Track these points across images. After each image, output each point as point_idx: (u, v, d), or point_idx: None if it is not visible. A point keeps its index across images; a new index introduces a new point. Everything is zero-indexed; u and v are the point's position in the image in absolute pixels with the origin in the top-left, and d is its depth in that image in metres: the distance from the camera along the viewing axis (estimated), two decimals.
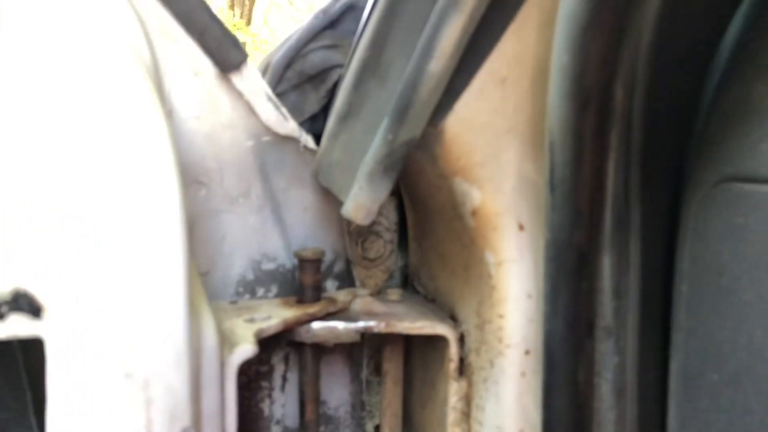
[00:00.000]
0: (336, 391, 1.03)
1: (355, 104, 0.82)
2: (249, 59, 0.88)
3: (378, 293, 1.01)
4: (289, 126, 0.93)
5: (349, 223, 0.98)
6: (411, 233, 1.02)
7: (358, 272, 1.01)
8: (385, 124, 0.75)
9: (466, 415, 0.88)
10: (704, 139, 0.63)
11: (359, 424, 1.04)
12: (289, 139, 0.93)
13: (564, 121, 0.61)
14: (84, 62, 0.67)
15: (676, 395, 0.65)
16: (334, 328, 0.90)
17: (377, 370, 1.03)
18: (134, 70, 0.69)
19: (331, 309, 0.91)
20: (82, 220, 0.62)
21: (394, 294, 0.99)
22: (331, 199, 0.93)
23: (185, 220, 0.66)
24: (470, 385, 0.87)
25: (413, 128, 0.74)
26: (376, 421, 1.04)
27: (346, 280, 1.02)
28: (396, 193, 1.00)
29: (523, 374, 0.81)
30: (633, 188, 0.65)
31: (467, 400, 0.88)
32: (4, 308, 0.60)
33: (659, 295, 0.67)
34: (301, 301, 0.92)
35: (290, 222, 0.97)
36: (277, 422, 1.00)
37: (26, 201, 0.61)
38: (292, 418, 1.00)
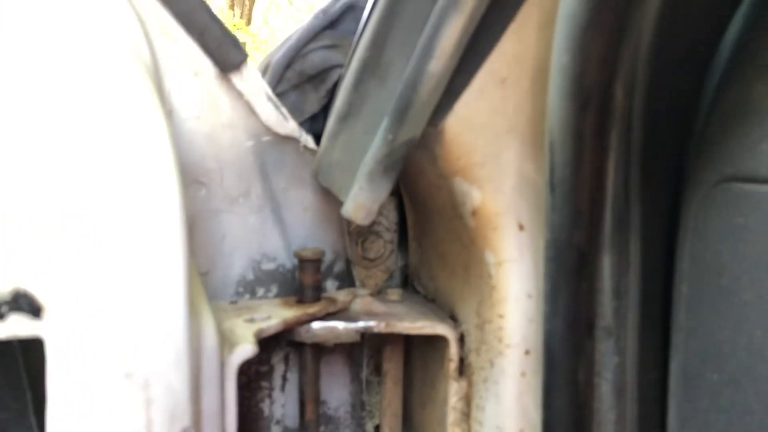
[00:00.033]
0: (336, 391, 1.03)
1: (355, 104, 0.82)
2: (249, 59, 0.88)
3: (378, 293, 1.01)
4: (289, 126, 0.93)
5: (349, 223, 0.98)
6: (411, 233, 1.02)
7: (358, 272, 1.01)
8: (385, 124, 0.75)
9: (466, 415, 0.88)
10: (704, 139, 0.63)
11: (359, 424, 1.04)
12: (289, 139, 0.93)
13: (564, 121, 0.61)
14: (84, 62, 0.67)
15: (676, 395, 0.65)
16: (334, 328, 0.90)
17: (377, 370, 1.03)
18: (134, 70, 0.69)
19: (331, 309, 0.91)
20: (83, 220, 0.62)
21: (394, 294, 0.99)
22: (331, 199, 0.93)
23: (185, 220, 0.67)
24: (470, 385, 0.87)
25: (413, 128, 0.74)
26: (376, 421, 1.04)
27: (346, 280, 1.02)
28: (396, 193, 1.00)
29: (523, 374, 0.81)
30: (633, 188, 0.65)
31: (467, 400, 0.88)
32: (4, 308, 0.60)
33: (659, 295, 0.67)
34: (301, 301, 0.92)
35: (290, 222, 0.97)
36: (277, 422, 1.00)
37: (26, 201, 0.61)
38: (292, 418, 1.00)
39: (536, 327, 0.79)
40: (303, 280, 0.92)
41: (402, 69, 0.75)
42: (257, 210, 0.94)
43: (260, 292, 0.97)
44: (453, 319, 0.91)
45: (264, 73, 1.14)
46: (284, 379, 0.99)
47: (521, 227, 0.79)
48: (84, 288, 0.62)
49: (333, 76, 1.09)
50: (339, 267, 1.02)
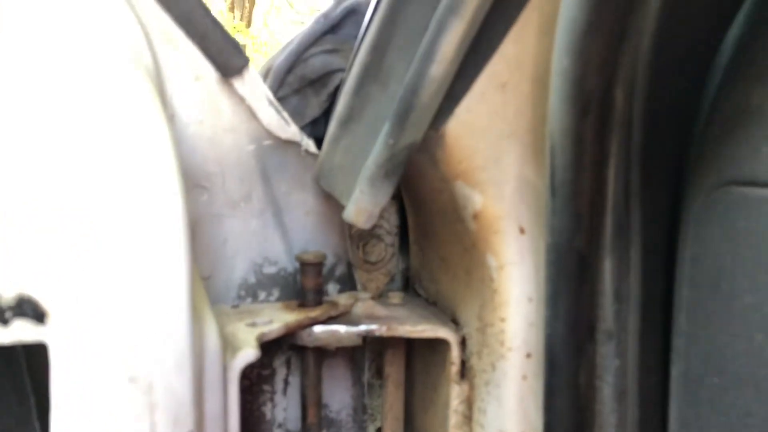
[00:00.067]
0: (338, 394, 1.03)
1: (357, 109, 0.82)
2: (250, 63, 0.89)
3: (379, 296, 1.01)
4: (291, 130, 0.93)
5: (350, 226, 0.98)
6: (412, 236, 1.02)
7: (359, 275, 1.02)
8: (386, 128, 0.75)
9: (468, 418, 0.88)
10: (705, 143, 0.63)
11: (361, 427, 1.04)
12: (290, 144, 0.94)
13: (564, 125, 0.61)
14: (86, 66, 0.67)
15: (677, 398, 0.65)
16: (335, 332, 0.90)
17: (379, 373, 1.03)
18: (136, 74, 0.69)
19: (333, 312, 0.91)
20: (85, 224, 0.62)
21: (396, 297, 0.99)
22: (332, 202, 0.93)
23: (188, 225, 0.67)
24: (472, 388, 0.88)
25: (414, 132, 0.74)
26: (378, 425, 1.04)
27: (348, 284, 1.02)
28: (397, 197, 1.01)
29: (524, 377, 0.81)
30: (633, 191, 0.65)
31: (469, 403, 0.88)
32: (9, 314, 0.60)
33: (660, 298, 0.67)
34: (302, 304, 0.92)
35: (292, 226, 0.97)
36: (279, 426, 1.00)
37: (29, 205, 0.61)
38: (294, 422, 1.00)
39: (537, 330, 0.79)
40: (304, 284, 0.92)
41: (403, 74, 0.75)
42: (259, 214, 0.95)
43: (262, 295, 0.97)
44: (454, 322, 0.91)
45: (265, 77, 1.14)
46: (286, 382, 1.00)
47: (522, 231, 0.80)
48: (88, 293, 0.62)
49: (334, 81, 1.09)
50: (340, 270, 1.02)
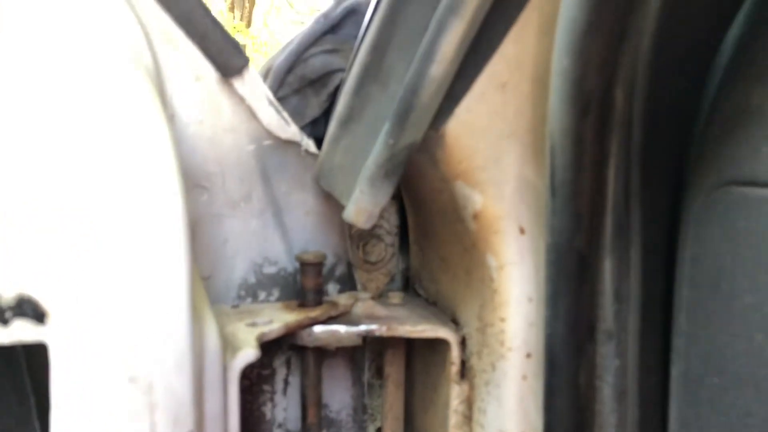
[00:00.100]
0: (338, 394, 1.03)
1: (357, 109, 0.82)
2: (250, 63, 0.89)
3: (379, 296, 1.02)
4: (291, 130, 0.93)
5: (350, 226, 0.98)
6: (412, 236, 1.02)
7: (359, 275, 1.02)
8: (386, 128, 0.75)
9: (468, 418, 0.88)
10: (705, 143, 0.63)
11: (361, 427, 1.05)
12: (290, 143, 0.94)
13: (564, 125, 0.61)
14: (87, 67, 0.67)
15: (677, 398, 0.65)
16: (335, 332, 0.90)
17: (379, 373, 1.03)
18: (136, 74, 0.69)
19: (333, 312, 0.91)
20: (86, 225, 0.62)
21: (396, 297, 0.99)
22: (332, 202, 0.93)
23: (188, 225, 0.67)
24: (472, 388, 0.88)
25: (414, 132, 0.74)
26: (378, 424, 1.04)
27: (348, 284, 1.02)
28: (397, 197, 1.01)
29: (524, 377, 0.81)
30: (633, 192, 0.65)
31: (469, 403, 0.88)
32: (9, 314, 0.60)
33: (660, 298, 0.67)
34: (302, 304, 0.92)
35: (292, 226, 0.97)
36: (279, 425, 1.00)
37: (29, 205, 0.61)
38: (294, 422, 1.00)
39: (537, 330, 0.79)
40: (304, 284, 0.92)
41: (403, 74, 0.75)
42: (259, 214, 0.95)
43: (262, 295, 0.97)
44: (454, 322, 0.91)
45: (265, 77, 1.14)
46: (286, 382, 1.00)
47: (522, 231, 0.80)
48: (88, 293, 0.62)
49: (334, 81, 1.09)
50: (340, 270, 1.02)
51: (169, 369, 0.65)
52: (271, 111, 0.91)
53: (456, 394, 0.88)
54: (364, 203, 0.78)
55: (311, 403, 0.95)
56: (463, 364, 0.88)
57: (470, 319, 0.87)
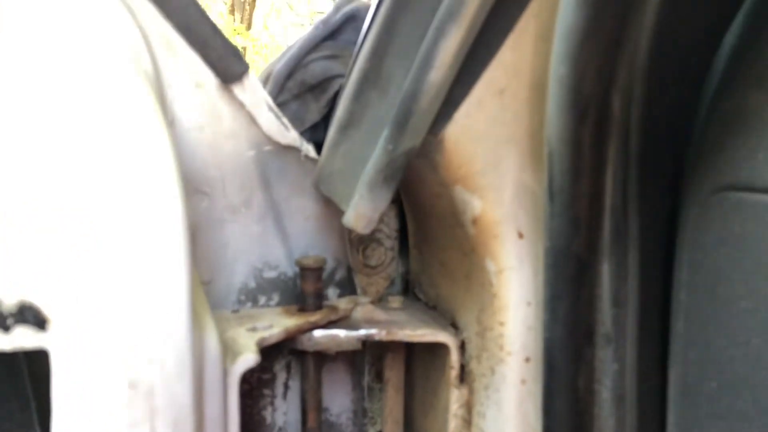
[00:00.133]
0: (338, 398, 1.04)
1: (356, 114, 0.83)
2: (250, 70, 0.89)
3: (379, 301, 1.02)
4: (290, 136, 0.93)
5: (350, 230, 0.98)
6: (412, 241, 1.03)
7: (359, 280, 1.02)
8: (385, 133, 0.76)
9: (468, 422, 0.89)
10: (701, 148, 0.64)
11: (361, 430, 1.05)
12: (290, 149, 0.94)
13: (562, 131, 0.61)
14: (88, 72, 0.67)
15: (675, 402, 0.66)
16: (335, 336, 0.90)
17: (379, 377, 1.04)
18: (136, 80, 0.70)
19: (333, 317, 0.92)
20: (86, 231, 0.63)
21: (396, 301, 0.99)
22: (332, 207, 0.93)
23: (188, 229, 0.67)
24: (471, 392, 0.88)
25: (413, 138, 0.75)
26: (378, 428, 1.05)
27: (348, 288, 1.03)
28: (397, 201, 1.01)
29: (523, 381, 0.81)
30: (631, 197, 0.66)
31: (468, 407, 0.88)
32: (10, 320, 0.60)
33: (658, 302, 0.68)
34: (302, 309, 0.93)
35: (292, 230, 0.97)
36: (280, 430, 1.00)
37: (30, 213, 0.62)
38: (294, 426, 1.00)
39: (536, 334, 0.79)
40: (304, 288, 0.93)
41: (402, 79, 0.76)
42: (259, 219, 0.95)
43: (262, 300, 0.98)
44: (454, 326, 0.91)
45: (265, 83, 1.15)
46: (286, 386, 1.00)
47: (521, 235, 0.80)
48: (88, 300, 0.62)
49: (333, 86, 1.09)
50: (340, 275, 1.02)
51: (170, 374, 0.65)
52: (271, 117, 0.91)
53: (455, 398, 0.88)
54: (363, 208, 0.79)
55: (311, 407, 0.95)
56: (463, 368, 0.89)
57: (469, 323, 0.88)
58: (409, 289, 1.06)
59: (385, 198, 0.78)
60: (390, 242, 1.03)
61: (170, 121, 0.86)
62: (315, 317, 0.90)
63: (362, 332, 0.90)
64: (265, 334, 0.83)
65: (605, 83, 0.61)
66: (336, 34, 1.14)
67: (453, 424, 0.89)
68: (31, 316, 0.61)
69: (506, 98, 0.76)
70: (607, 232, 0.66)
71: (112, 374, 0.63)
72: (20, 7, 0.70)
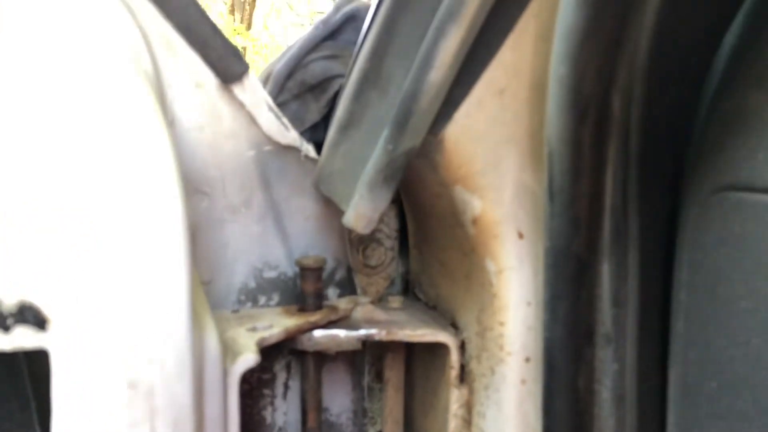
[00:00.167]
0: (338, 398, 1.04)
1: (356, 114, 0.83)
2: (250, 70, 0.89)
3: (379, 300, 1.02)
4: (290, 136, 0.93)
5: (350, 230, 0.98)
6: (412, 241, 1.03)
7: (359, 280, 1.02)
8: (385, 134, 0.76)
9: (468, 422, 0.89)
10: (701, 148, 0.64)
11: (361, 430, 1.05)
12: (290, 149, 0.94)
13: (562, 131, 0.61)
14: (87, 72, 0.67)
15: (675, 402, 0.66)
16: (335, 336, 0.90)
17: (379, 377, 1.04)
18: (136, 80, 0.70)
19: (333, 317, 0.92)
20: (86, 231, 0.63)
21: (396, 301, 0.99)
22: (332, 207, 0.93)
23: (188, 229, 0.67)
24: (471, 392, 0.88)
25: (413, 138, 0.75)
26: (378, 428, 1.05)
27: (348, 288, 1.03)
28: (397, 201, 1.01)
29: (523, 381, 0.81)
30: (631, 197, 0.66)
31: (468, 407, 0.88)
32: (10, 320, 0.60)
33: (658, 302, 0.68)
34: (302, 309, 0.93)
35: (292, 230, 0.97)
36: (280, 430, 1.00)
37: (30, 213, 0.62)
38: (294, 426, 1.00)
39: (536, 334, 0.79)
40: (304, 288, 0.93)
41: (402, 80, 0.76)
42: (259, 219, 0.95)
43: (262, 300, 0.98)
44: (454, 326, 0.91)
45: (265, 83, 1.15)
46: (286, 386, 1.00)
47: (521, 235, 0.80)
48: (88, 299, 0.63)
49: (333, 86, 1.10)
50: (340, 275, 1.02)
51: (170, 374, 0.65)
52: (271, 117, 0.91)
53: (455, 398, 0.88)
54: (363, 208, 0.79)
55: (311, 407, 0.95)
56: (463, 368, 0.89)
57: (469, 323, 0.88)
58: (409, 289, 1.06)
59: (385, 198, 0.78)
60: (390, 242, 1.03)
61: (170, 121, 0.86)
62: (315, 317, 0.90)
63: (362, 332, 0.90)
64: (265, 334, 0.83)
65: (605, 83, 0.61)
66: (336, 34, 1.14)
67: (453, 424, 0.89)
68: (31, 316, 0.61)
69: (506, 98, 0.76)
70: (607, 232, 0.66)
71: (112, 374, 0.63)
72: (20, 7, 0.70)
